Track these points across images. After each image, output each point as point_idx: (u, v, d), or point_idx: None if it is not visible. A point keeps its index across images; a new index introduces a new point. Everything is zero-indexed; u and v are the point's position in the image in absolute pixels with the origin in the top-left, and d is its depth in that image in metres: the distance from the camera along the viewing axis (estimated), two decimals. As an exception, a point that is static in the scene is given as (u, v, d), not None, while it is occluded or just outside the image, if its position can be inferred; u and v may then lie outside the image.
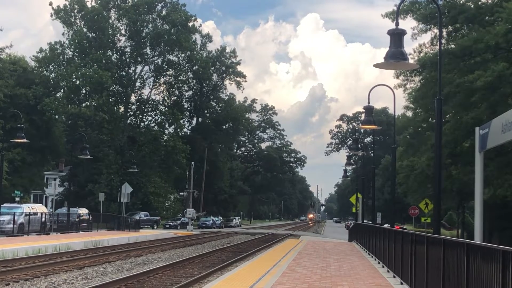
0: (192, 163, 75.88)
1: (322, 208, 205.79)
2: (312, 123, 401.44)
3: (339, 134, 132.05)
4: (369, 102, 21.30)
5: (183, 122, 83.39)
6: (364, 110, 21.70)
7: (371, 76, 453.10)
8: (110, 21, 72.35)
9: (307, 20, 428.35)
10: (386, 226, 34.45)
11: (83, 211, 45.82)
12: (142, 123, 76.39)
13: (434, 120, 16.59)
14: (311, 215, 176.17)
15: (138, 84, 75.44)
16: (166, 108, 76.80)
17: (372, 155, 58.20)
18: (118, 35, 73.10)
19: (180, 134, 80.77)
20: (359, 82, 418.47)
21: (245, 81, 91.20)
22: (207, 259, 26.96)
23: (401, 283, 14.23)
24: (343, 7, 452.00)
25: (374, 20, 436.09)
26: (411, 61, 18.72)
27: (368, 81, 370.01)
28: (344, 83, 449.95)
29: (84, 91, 71.11)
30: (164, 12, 73.93)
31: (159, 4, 73.90)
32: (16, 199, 58.49)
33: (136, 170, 57.69)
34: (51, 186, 64.00)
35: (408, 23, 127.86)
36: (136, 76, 75.10)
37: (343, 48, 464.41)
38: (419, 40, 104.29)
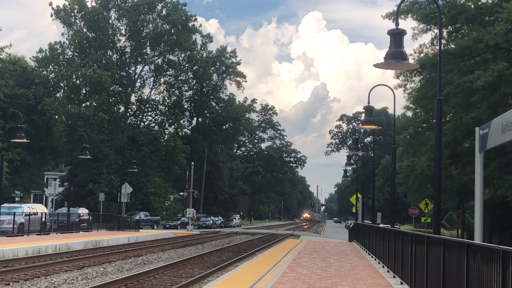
0: (192, 163, 75.89)
1: (322, 208, 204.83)
2: (314, 123, 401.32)
3: (339, 134, 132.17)
4: (369, 102, 21.34)
5: (183, 122, 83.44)
6: (364, 110, 21.73)
7: (373, 76, 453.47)
8: (110, 21, 72.33)
9: (309, 20, 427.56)
10: (381, 225, 34.50)
11: (83, 211, 45.82)
12: (142, 123, 76.37)
13: (434, 120, 16.60)
14: (306, 215, 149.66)
15: (138, 84, 75.44)
16: (166, 108, 76.80)
17: (372, 155, 58.13)
18: (118, 35, 73.08)
19: (180, 134, 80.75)
20: (362, 82, 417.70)
21: (245, 81, 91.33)
22: (207, 259, 26.96)
23: (401, 283, 14.23)
24: (346, 7, 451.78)
25: (377, 20, 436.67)
26: (411, 61, 18.73)
27: (371, 81, 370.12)
28: (346, 83, 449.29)
29: (84, 91, 71.07)
30: (164, 12, 73.91)
31: (159, 4, 73.89)
32: (16, 199, 58.48)
33: (136, 170, 57.70)
34: (51, 186, 63.95)
35: (408, 23, 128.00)
36: (136, 76, 75.09)
37: (345, 48, 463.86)
38: (419, 41, 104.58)
